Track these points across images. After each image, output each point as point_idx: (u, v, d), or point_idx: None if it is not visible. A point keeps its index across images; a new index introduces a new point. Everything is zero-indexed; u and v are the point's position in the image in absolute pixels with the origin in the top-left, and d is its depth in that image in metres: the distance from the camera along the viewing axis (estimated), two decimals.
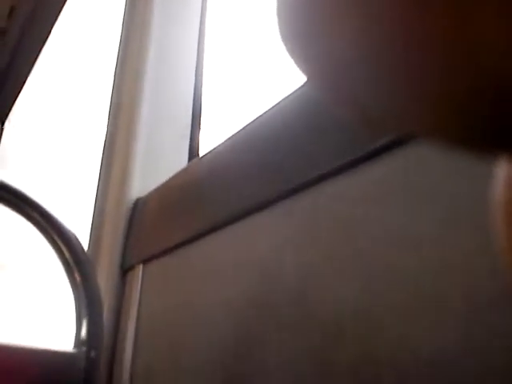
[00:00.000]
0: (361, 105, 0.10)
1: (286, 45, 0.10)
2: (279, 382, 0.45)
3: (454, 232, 0.34)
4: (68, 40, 1.78)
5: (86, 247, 0.89)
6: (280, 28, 0.10)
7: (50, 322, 1.05)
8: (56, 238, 0.41)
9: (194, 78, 0.98)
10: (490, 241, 0.31)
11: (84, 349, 0.41)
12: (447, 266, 0.34)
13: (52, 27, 1.84)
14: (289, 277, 0.48)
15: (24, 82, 2.12)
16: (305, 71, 0.10)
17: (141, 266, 0.78)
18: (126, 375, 0.72)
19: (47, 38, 1.89)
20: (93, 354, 0.42)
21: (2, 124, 2.30)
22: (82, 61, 1.49)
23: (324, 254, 0.44)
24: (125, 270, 0.82)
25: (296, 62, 0.10)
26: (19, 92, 2.19)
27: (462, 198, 0.34)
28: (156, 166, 0.89)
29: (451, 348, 0.32)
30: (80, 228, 0.97)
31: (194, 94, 0.97)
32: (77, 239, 0.43)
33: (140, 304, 0.75)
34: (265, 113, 0.59)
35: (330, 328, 0.42)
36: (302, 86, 0.53)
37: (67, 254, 0.41)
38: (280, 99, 0.57)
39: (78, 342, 0.42)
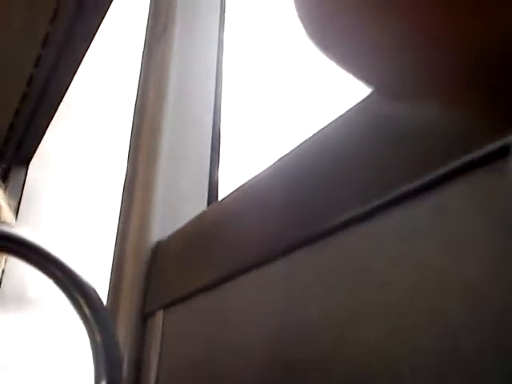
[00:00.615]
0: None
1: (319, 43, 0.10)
2: None
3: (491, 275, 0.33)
4: (87, 87, 1.82)
5: (105, 294, 0.89)
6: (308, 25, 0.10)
7: (68, 375, 1.04)
8: (76, 294, 0.41)
9: (212, 120, 0.99)
10: None
11: None
12: (478, 317, 0.32)
13: (74, 74, 1.89)
14: (311, 326, 0.47)
15: (47, 127, 2.17)
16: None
17: (162, 312, 0.77)
18: None
19: (69, 85, 1.94)
20: None
21: (27, 167, 2.35)
22: (102, 103, 1.52)
23: (347, 304, 0.43)
24: (145, 316, 0.81)
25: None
26: (42, 136, 2.23)
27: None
28: (176, 209, 0.89)
29: None
30: (100, 277, 0.97)
31: (213, 136, 0.98)
32: (97, 295, 0.43)
33: (161, 351, 0.74)
34: (285, 155, 0.58)
35: (356, 376, 0.40)
36: (325, 128, 0.53)
37: (87, 312, 0.40)
38: (303, 139, 0.56)
39: None
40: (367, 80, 0.10)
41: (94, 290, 0.43)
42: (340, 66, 0.11)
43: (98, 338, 0.39)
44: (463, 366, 0.33)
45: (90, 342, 0.40)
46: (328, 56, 0.10)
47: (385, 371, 0.38)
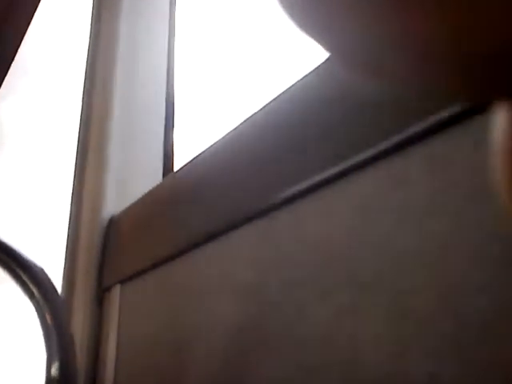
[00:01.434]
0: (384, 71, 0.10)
1: (295, 18, 0.10)
2: None
3: (447, 247, 0.33)
4: (36, 52, 1.75)
5: (60, 270, 0.87)
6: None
7: (21, 359, 1.02)
8: (23, 275, 0.39)
9: (165, 91, 0.97)
10: (485, 254, 0.30)
11: None
12: (439, 283, 0.32)
13: (24, 34, 1.81)
14: (271, 297, 0.46)
15: None
16: (324, 44, 0.10)
17: (118, 287, 0.76)
18: None
19: (19, 45, 1.86)
20: None
21: None
22: (50, 72, 1.46)
23: (307, 272, 0.43)
24: (102, 291, 0.79)
25: (310, 34, 0.10)
26: None
27: (454, 213, 0.33)
28: (130, 182, 0.87)
29: (447, 371, 0.31)
30: (54, 255, 0.95)
31: (166, 106, 0.95)
32: (46, 276, 0.41)
33: (119, 326, 0.73)
34: (241, 123, 0.57)
35: (315, 351, 0.40)
36: (280, 94, 0.52)
37: (35, 292, 0.39)
38: (257, 108, 0.55)
39: (50, 380, 0.40)
40: (326, 44, 0.10)
41: (42, 271, 0.41)
42: (301, 27, 0.10)
43: (49, 320, 0.38)
44: (419, 335, 0.33)
45: (41, 324, 0.38)
46: (288, 13, 0.10)
47: (345, 342, 0.38)
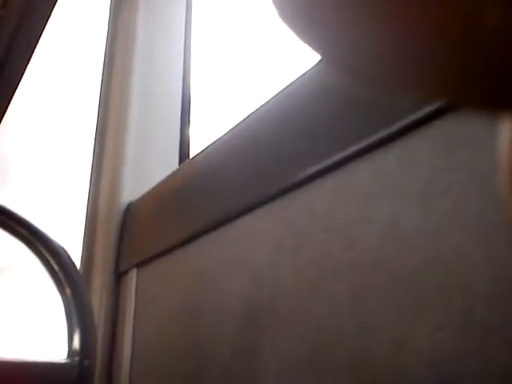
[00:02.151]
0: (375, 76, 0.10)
1: (288, 22, 0.10)
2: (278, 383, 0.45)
3: (452, 226, 0.34)
4: (55, 44, 1.77)
5: (79, 255, 0.89)
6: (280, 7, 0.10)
7: (43, 333, 1.05)
8: (44, 251, 0.41)
9: (181, 79, 0.98)
10: (486, 232, 0.31)
11: (77, 358, 0.41)
12: (445, 261, 0.33)
13: (47, 21, 1.83)
14: (284, 277, 0.47)
15: (20, 79, 2.11)
16: (317, 49, 0.10)
17: (135, 271, 0.77)
18: (124, 381, 0.72)
19: (43, 29, 1.88)
20: (86, 363, 0.42)
21: None
22: (70, 65, 1.48)
23: (319, 253, 0.44)
24: (119, 275, 0.81)
25: (304, 40, 0.10)
26: (16, 88, 2.17)
27: (451, 191, 0.34)
28: (147, 169, 0.88)
29: (450, 345, 0.32)
30: (73, 238, 0.97)
31: (183, 95, 0.97)
32: (65, 251, 0.43)
33: (136, 308, 0.75)
34: (255, 111, 0.58)
35: (326, 327, 0.42)
36: (293, 83, 0.53)
37: (56, 267, 0.40)
38: (270, 97, 0.56)
39: (71, 352, 0.42)
40: (315, 46, 0.10)
41: (63, 248, 0.43)
42: (294, 31, 0.11)
43: (68, 292, 0.40)
44: (427, 317, 0.34)
45: (61, 297, 0.40)
46: (280, 16, 0.10)
47: (355, 323, 0.39)
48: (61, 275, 0.40)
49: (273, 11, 0.10)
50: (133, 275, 0.77)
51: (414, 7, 0.08)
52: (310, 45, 0.10)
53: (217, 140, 0.66)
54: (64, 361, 0.41)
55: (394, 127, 0.39)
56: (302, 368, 0.43)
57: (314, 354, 0.42)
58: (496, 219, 0.31)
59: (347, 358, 0.39)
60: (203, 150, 0.69)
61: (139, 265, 0.76)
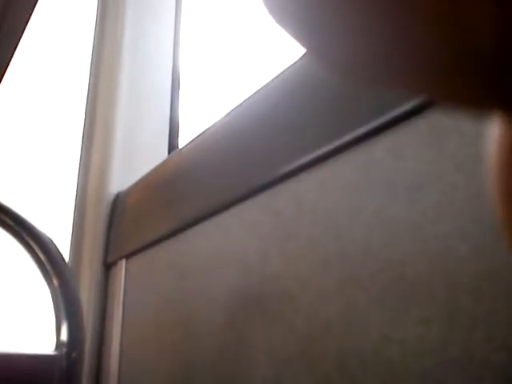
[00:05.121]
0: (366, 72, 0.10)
1: (276, 18, 0.10)
2: (267, 375, 0.45)
3: (439, 218, 0.34)
4: (41, 36, 1.75)
5: (67, 245, 0.88)
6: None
7: (30, 325, 1.04)
8: (31, 242, 0.41)
9: (171, 69, 0.97)
10: (473, 224, 0.31)
11: (64, 350, 0.41)
12: (430, 253, 0.34)
13: (27, 22, 1.81)
14: (272, 268, 0.48)
15: (6, 68, 2.09)
16: (304, 43, 0.10)
17: (123, 261, 0.77)
18: (113, 372, 0.72)
19: (23, 31, 1.86)
20: (74, 354, 0.42)
21: None
22: (57, 56, 1.47)
23: (307, 245, 0.44)
24: (108, 266, 0.81)
25: (293, 35, 0.10)
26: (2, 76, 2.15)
27: (437, 184, 0.34)
28: (135, 159, 0.88)
29: (436, 337, 0.32)
30: (61, 228, 0.96)
31: (172, 85, 0.96)
32: (52, 243, 0.43)
33: (124, 299, 0.75)
34: (243, 102, 0.58)
35: (315, 318, 0.42)
36: (281, 74, 0.53)
37: (43, 259, 0.40)
38: (257, 88, 0.56)
39: (59, 344, 0.41)
40: (306, 44, 0.10)
41: (50, 239, 0.42)
42: (283, 27, 0.10)
43: (56, 283, 0.39)
44: (413, 309, 0.34)
45: (49, 288, 0.40)
46: (268, 9, 0.10)
47: (342, 314, 0.39)
48: (48, 266, 0.39)
49: (259, 3, 0.10)
50: (121, 266, 0.77)
51: (401, 3, 0.08)
52: (295, 38, 0.10)
53: (205, 130, 0.65)
54: (51, 353, 0.41)
55: (382, 119, 0.39)
56: (291, 359, 0.43)
57: (303, 345, 0.42)
58: (483, 211, 0.31)
59: (336, 349, 0.39)
60: (192, 141, 0.68)
61: (128, 256, 0.76)
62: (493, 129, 0.11)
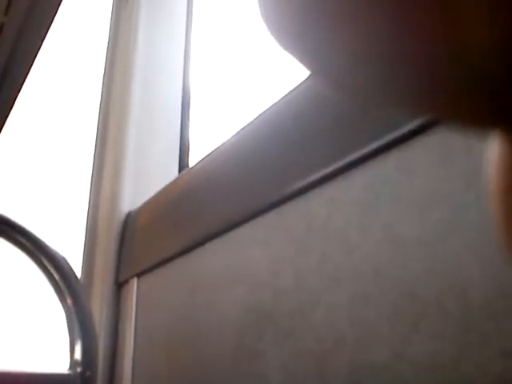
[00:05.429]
0: (368, 94, 0.10)
1: (276, 37, 0.10)
2: None
3: (449, 235, 0.34)
4: (56, 52, 1.78)
5: (79, 264, 0.89)
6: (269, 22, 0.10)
7: (44, 344, 1.05)
8: (45, 261, 0.41)
9: (181, 87, 0.98)
10: (483, 241, 0.31)
11: (79, 369, 0.41)
12: (442, 269, 0.34)
13: (50, 26, 1.84)
14: (284, 286, 0.48)
15: (22, 84, 2.11)
16: (309, 68, 0.10)
17: (135, 280, 0.78)
18: None
19: (45, 35, 1.89)
20: (88, 373, 0.42)
21: None
22: (70, 73, 1.49)
23: (318, 262, 0.44)
24: (119, 285, 0.81)
25: (295, 57, 0.10)
26: (17, 95, 2.17)
27: (448, 199, 0.34)
28: (146, 178, 0.89)
29: (448, 354, 0.32)
30: (72, 247, 0.97)
31: (183, 103, 0.97)
32: (66, 262, 0.43)
33: (136, 318, 0.75)
34: (254, 120, 0.59)
35: (326, 335, 0.42)
36: (291, 92, 0.53)
37: (57, 278, 0.41)
38: (269, 105, 0.57)
39: (73, 363, 0.42)
40: (311, 68, 0.10)
41: (63, 258, 0.43)
42: (285, 48, 0.11)
43: (69, 302, 0.40)
44: (424, 325, 0.34)
45: (62, 307, 0.40)
46: (274, 35, 0.10)
47: (354, 332, 0.39)
48: (62, 285, 0.40)
49: (262, 27, 0.10)
50: (133, 285, 0.77)
51: (404, 25, 0.08)
52: (299, 60, 0.10)
53: (216, 149, 0.66)
54: (66, 372, 0.41)
55: (392, 136, 0.39)
56: (303, 377, 0.43)
57: (315, 362, 0.42)
58: (493, 229, 0.31)
59: (348, 366, 0.39)
60: (202, 160, 0.69)
61: (139, 274, 0.77)
62: (493, 150, 0.11)
